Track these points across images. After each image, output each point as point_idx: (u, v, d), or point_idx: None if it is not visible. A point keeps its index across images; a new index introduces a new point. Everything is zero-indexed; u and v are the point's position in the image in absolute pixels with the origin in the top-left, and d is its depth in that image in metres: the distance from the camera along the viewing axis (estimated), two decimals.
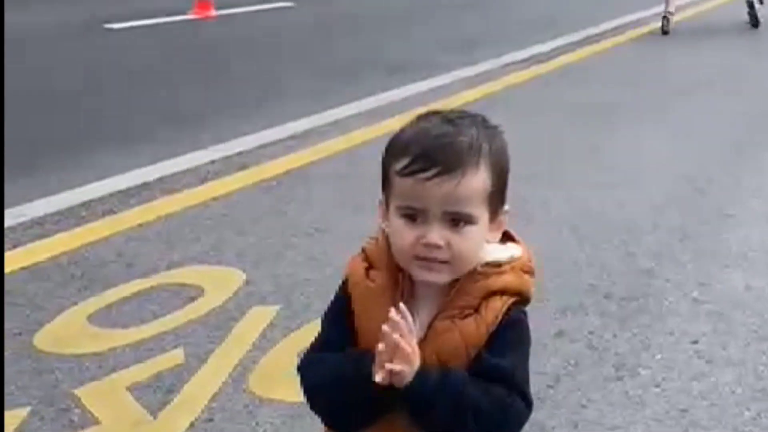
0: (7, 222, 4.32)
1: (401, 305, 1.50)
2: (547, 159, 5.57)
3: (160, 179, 5.03)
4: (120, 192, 4.81)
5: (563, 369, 3.25)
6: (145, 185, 4.93)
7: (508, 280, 1.57)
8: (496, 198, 1.56)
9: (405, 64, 8.01)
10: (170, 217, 4.53)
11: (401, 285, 1.58)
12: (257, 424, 2.89)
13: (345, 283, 1.65)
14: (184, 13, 10.97)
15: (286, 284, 3.80)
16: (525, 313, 1.62)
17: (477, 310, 1.55)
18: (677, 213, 4.78)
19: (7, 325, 3.39)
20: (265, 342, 3.35)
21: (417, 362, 1.49)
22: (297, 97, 6.92)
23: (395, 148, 1.54)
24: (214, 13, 11.18)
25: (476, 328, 1.55)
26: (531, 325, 1.64)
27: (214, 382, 3.11)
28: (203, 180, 5.07)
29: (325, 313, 1.69)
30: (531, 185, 5.00)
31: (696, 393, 3.14)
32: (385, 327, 1.47)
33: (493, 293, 1.56)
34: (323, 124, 6.27)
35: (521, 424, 1.58)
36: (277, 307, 3.58)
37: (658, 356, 3.37)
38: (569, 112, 6.70)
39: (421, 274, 1.54)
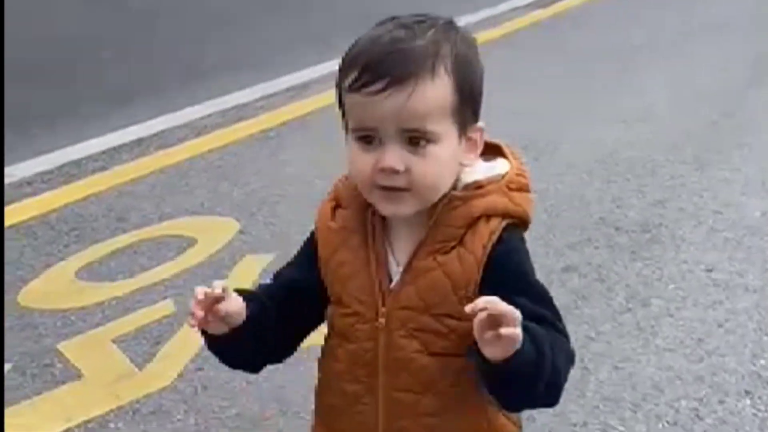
0: None
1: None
2: (555, 101, 5.35)
3: (155, 135, 4.85)
4: (112, 149, 4.64)
5: (571, 303, 3.09)
6: (139, 141, 4.77)
7: (491, 200, 1.34)
8: (464, 111, 1.32)
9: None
10: (164, 171, 4.37)
11: (369, 222, 1.38)
12: None
13: (313, 232, 1.46)
14: None
15: (282, 232, 3.65)
16: (522, 238, 1.40)
17: (461, 241, 1.34)
18: (692, 146, 4.59)
19: None
20: None
21: None
22: (296, 50, 6.73)
23: (345, 61, 1.32)
24: None
25: (460, 263, 1.34)
26: (536, 261, 1.42)
27: None
28: (199, 133, 4.90)
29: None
30: (538, 126, 4.80)
31: (712, 321, 2.98)
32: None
33: (477, 219, 1.34)
34: (324, 75, 6.07)
35: None
36: (272, 255, 3.44)
37: (672, 286, 3.20)
38: (578, 54, 6.47)
39: (383, 207, 1.33)
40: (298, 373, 2.70)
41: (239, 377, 2.73)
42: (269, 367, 2.83)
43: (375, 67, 1.26)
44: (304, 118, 5.20)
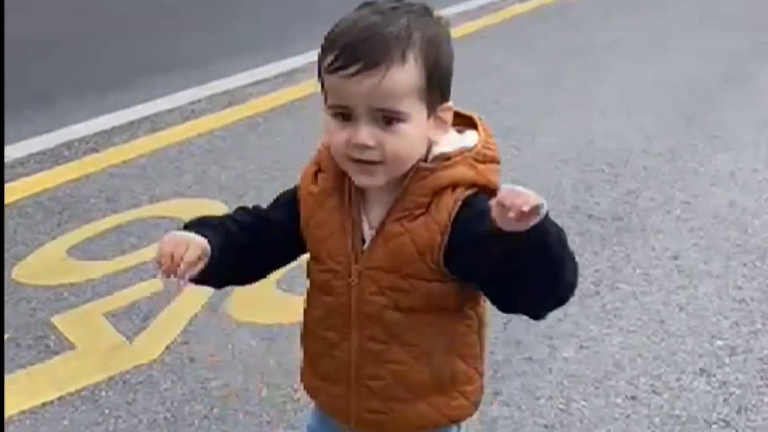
0: None
1: None
2: (535, 92, 5.50)
3: (145, 118, 4.98)
4: (104, 131, 4.77)
5: None
6: (129, 124, 4.89)
7: (458, 172, 1.46)
8: (432, 93, 1.44)
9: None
10: (154, 154, 4.50)
11: (346, 187, 1.52)
12: (233, 345, 2.90)
13: (297, 187, 1.60)
14: None
15: None
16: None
17: (428, 209, 1.46)
18: (666, 139, 4.74)
19: None
20: None
21: None
22: (284, 38, 6.85)
23: (325, 42, 1.45)
24: None
25: (426, 230, 1.46)
26: None
27: (191, 308, 3.11)
28: (187, 118, 5.03)
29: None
30: (518, 116, 4.95)
31: (674, 304, 3.13)
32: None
33: (443, 189, 1.46)
34: (311, 62, 6.18)
35: None
36: None
37: (638, 271, 3.36)
38: (557, 48, 6.60)
39: (357, 177, 1.46)
40: (280, 348, 2.87)
41: (225, 351, 2.88)
42: (253, 343, 2.99)
43: (350, 52, 1.39)
44: (291, 104, 5.33)
